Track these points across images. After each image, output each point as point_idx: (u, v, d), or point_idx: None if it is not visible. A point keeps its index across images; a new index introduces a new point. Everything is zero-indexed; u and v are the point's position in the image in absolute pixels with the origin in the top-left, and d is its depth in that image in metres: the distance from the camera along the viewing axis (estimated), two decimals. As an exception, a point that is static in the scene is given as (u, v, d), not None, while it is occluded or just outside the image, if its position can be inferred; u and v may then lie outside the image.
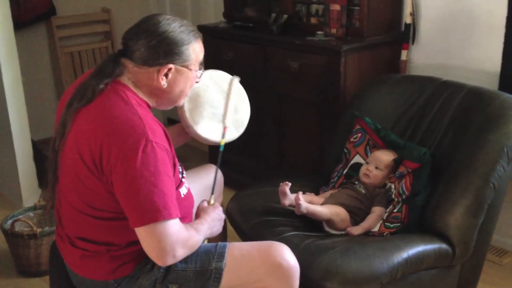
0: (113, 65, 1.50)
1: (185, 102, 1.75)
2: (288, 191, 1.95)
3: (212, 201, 1.75)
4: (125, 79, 1.51)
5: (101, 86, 1.47)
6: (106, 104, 1.45)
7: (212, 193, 1.78)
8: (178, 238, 1.42)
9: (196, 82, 1.62)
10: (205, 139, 1.80)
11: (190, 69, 1.54)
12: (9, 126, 2.93)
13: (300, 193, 1.92)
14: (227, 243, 1.59)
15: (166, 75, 1.51)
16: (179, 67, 1.52)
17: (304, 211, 1.91)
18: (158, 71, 1.49)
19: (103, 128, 1.41)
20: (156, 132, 1.43)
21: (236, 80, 1.89)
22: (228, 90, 1.85)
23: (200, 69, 1.60)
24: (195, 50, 1.54)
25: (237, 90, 1.89)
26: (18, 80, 2.94)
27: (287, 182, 1.95)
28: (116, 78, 1.50)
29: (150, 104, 1.56)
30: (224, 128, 1.80)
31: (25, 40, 3.72)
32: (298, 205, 1.90)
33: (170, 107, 1.62)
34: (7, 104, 2.89)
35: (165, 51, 1.48)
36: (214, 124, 1.81)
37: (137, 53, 1.49)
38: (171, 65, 1.50)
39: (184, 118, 1.76)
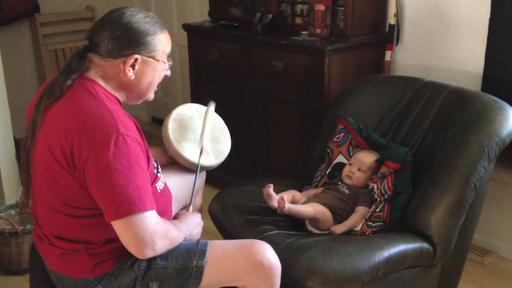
0: (79, 60, 1.49)
1: (169, 123, 1.83)
2: (273, 192, 1.95)
3: (190, 210, 1.77)
4: (92, 74, 1.50)
5: (69, 82, 1.45)
6: (74, 100, 1.44)
7: (191, 203, 1.79)
8: (156, 230, 1.41)
9: (166, 76, 1.61)
10: (184, 158, 1.84)
11: (157, 60, 1.53)
12: (-9, 123, 2.90)
13: (284, 196, 1.93)
14: (209, 241, 1.58)
15: (133, 66, 1.50)
16: (146, 58, 1.51)
17: (286, 212, 1.92)
18: (124, 63, 1.48)
19: (73, 124, 1.40)
20: (127, 125, 1.42)
21: (212, 106, 1.97)
22: (205, 115, 1.92)
23: (168, 61, 1.58)
24: (161, 41, 1.53)
25: (215, 118, 1.99)
26: (0, 78, 2.90)
27: (269, 184, 1.96)
28: (84, 73, 1.49)
29: (120, 99, 1.55)
30: (202, 147, 1.86)
31: (8, 37, 3.68)
32: (281, 207, 1.90)
33: (140, 101, 1.61)
34: (-11, 101, 2.86)
35: (130, 41, 1.47)
36: (194, 147, 1.87)
37: (102, 46, 1.48)
38: (137, 56, 1.49)
39: (167, 137, 1.82)
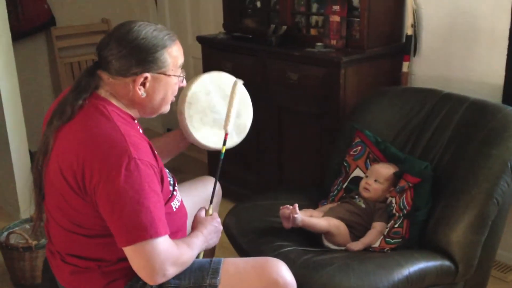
0: (89, 78, 1.45)
1: (185, 109, 1.69)
2: (289, 215, 1.89)
3: (210, 211, 1.70)
4: (102, 92, 1.46)
5: (80, 102, 1.42)
6: (87, 122, 1.41)
7: (211, 203, 1.73)
8: (167, 256, 1.38)
9: (181, 87, 1.56)
10: (206, 146, 1.74)
11: (169, 75, 1.48)
12: (6, 137, 2.91)
13: (296, 205, 1.88)
14: (222, 259, 1.55)
15: (143, 84, 1.45)
16: (156, 75, 1.45)
17: (300, 224, 1.87)
18: (134, 81, 1.44)
19: (85, 148, 1.37)
20: (139, 147, 1.38)
21: (240, 83, 1.80)
22: (231, 94, 1.76)
23: (181, 73, 1.53)
24: (172, 54, 1.47)
25: (240, 94, 1.80)
26: (16, 91, 2.92)
27: (287, 206, 1.90)
28: (94, 91, 1.45)
29: (133, 115, 1.51)
30: (226, 134, 1.73)
31: (24, 51, 3.71)
32: (293, 217, 1.85)
33: (154, 115, 1.57)
34: (4, 114, 2.87)
35: (138, 59, 1.42)
36: (215, 131, 1.74)
37: (110, 64, 1.43)
38: (146, 74, 1.43)
39: (184, 126, 1.70)
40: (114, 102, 1.46)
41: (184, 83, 1.58)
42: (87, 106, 1.43)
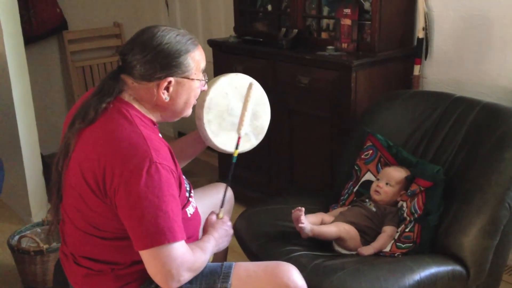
0: (113, 82, 1.47)
1: (203, 114, 1.68)
2: (302, 217, 1.88)
3: (221, 215, 1.71)
4: (126, 96, 1.48)
5: (104, 105, 1.43)
6: (109, 125, 1.42)
7: (222, 206, 1.73)
8: (183, 261, 1.39)
9: (203, 91, 1.58)
10: (225, 151, 1.74)
11: (192, 79, 1.50)
12: (18, 140, 2.92)
13: (303, 216, 1.87)
14: (233, 263, 1.55)
15: (167, 88, 1.47)
16: (180, 79, 1.47)
17: (310, 234, 1.86)
18: (158, 86, 1.45)
19: (106, 150, 1.38)
20: (160, 152, 1.39)
21: (255, 86, 1.77)
22: (246, 98, 1.74)
23: (204, 76, 1.55)
24: (195, 58, 1.49)
25: (256, 95, 1.78)
26: (28, 95, 2.94)
27: (300, 208, 1.89)
28: (118, 95, 1.47)
29: (155, 119, 1.52)
30: (239, 138, 1.72)
31: (37, 54, 3.74)
32: (301, 228, 1.85)
33: (176, 119, 1.58)
34: (16, 118, 2.89)
35: (162, 64, 1.43)
36: (233, 135, 1.73)
37: (134, 69, 1.45)
38: (170, 78, 1.45)
39: (203, 131, 1.70)
40: (136, 106, 1.48)
41: (206, 87, 1.59)
42: (111, 110, 1.44)
